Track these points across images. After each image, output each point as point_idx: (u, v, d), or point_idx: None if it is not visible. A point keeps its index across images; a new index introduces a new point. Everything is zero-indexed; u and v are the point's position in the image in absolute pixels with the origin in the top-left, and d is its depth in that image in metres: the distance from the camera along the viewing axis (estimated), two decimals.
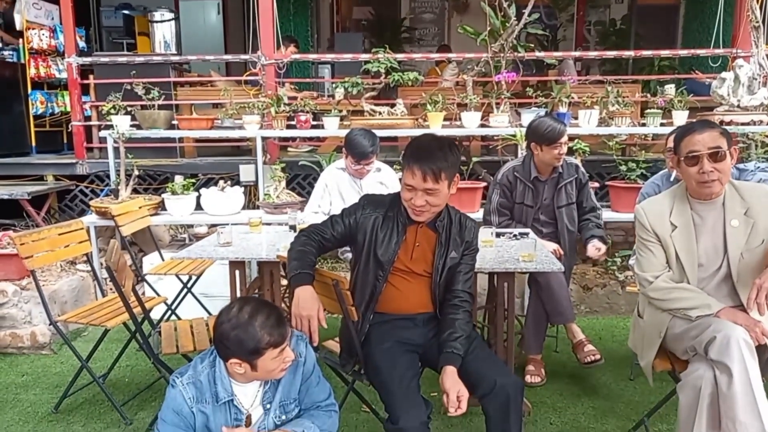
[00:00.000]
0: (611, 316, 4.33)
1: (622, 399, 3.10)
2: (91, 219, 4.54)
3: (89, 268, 4.21)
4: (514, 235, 3.12)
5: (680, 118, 4.56)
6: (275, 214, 4.35)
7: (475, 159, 4.74)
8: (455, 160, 2.17)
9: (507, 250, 2.85)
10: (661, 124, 4.66)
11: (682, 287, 2.24)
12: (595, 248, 3.35)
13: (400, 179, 2.26)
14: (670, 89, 4.89)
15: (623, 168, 4.44)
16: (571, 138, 3.82)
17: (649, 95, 5.16)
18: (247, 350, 1.74)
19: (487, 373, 2.15)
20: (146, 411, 3.07)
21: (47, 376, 3.51)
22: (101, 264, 4.44)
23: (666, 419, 2.83)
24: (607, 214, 4.31)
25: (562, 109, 4.61)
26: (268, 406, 1.90)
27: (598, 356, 3.20)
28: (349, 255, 2.69)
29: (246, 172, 4.92)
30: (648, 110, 4.70)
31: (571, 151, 3.91)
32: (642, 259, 2.34)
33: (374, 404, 2.87)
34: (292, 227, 3.20)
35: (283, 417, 1.92)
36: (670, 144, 3.13)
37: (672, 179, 3.12)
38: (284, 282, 3.29)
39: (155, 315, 3.90)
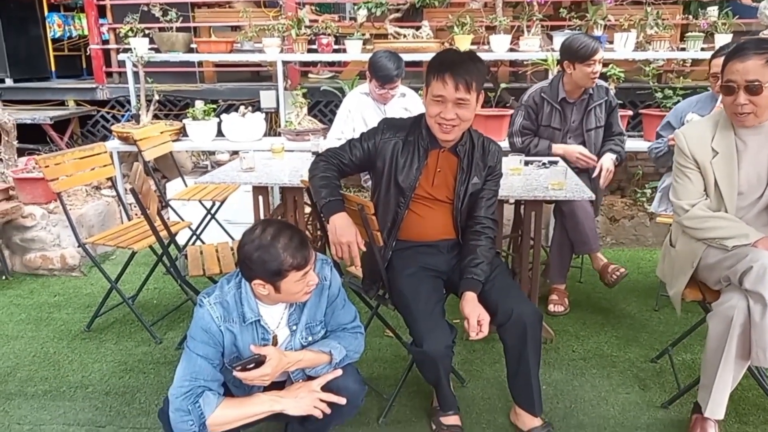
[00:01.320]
0: (638, 248, 4.27)
1: (645, 329, 3.09)
2: (113, 144, 4.53)
3: (114, 193, 4.24)
4: (543, 164, 3.03)
5: (723, 41, 4.29)
6: (297, 141, 4.29)
7: (503, 85, 4.57)
8: (483, 72, 2.09)
9: (536, 179, 2.77)
10: (702, 49, 4.40)
11: (719, 216, 2.15)
12: (609, 160, 3.23)
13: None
14: (713, 11, 4.58)
15: (659, 95, 4.24)
16: (606, 63, 3.63)
17: (690, 17, 4.85)
18: (270, 271, 1.73)
19: (505, 302, 2.13)
20: (175, 331, 3.15)
21: (78, 296, 3.61)
22: (125, 189, 4.47)
23: (690, 349, 2.82)
24: (638, 144, 4.16)
25: (597, 32, 4.36)
26: (294, 327, 1.92)
27: (622, 269, 3.13)
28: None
29: (267, 98, 4.82)
30: (688, 34, 4.44)
31: (604, 77, 3.73)
32: (678, 186, 2.25)
33: (397, 329, 2.91)
34: (315, 154, 3.14)
35: (309, 338, 1.94)
36: (714, 69, 2.95)
37: (718, 102, 2.94)
38: (308, 209, 3.27)
39: (180, 240, 3.94)
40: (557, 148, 3.23)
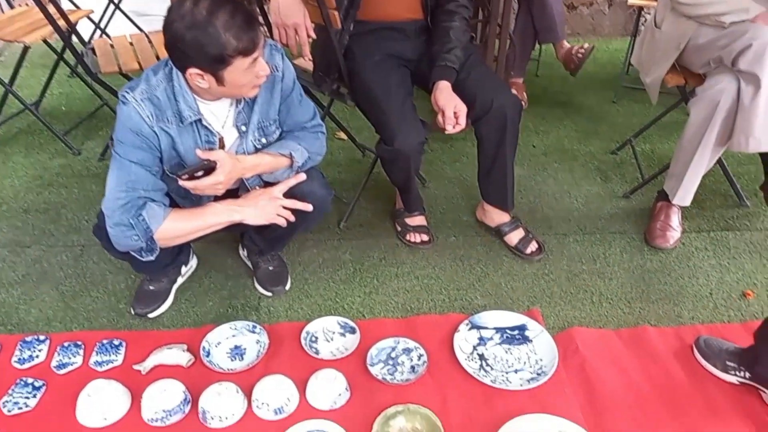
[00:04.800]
0: (594, 38, 4.03)
1: (605, 121, 3.00)
2: None
3: None
4: None
5: None
6: None
7: None
8: None
9: None
10: None
11: None
12: None
13: None
14: None
15: None
16: None
17: None
18: (210, 57, 1.37)
19: (483, 92, 1.89)
20: (94, 140, 2.77)
21: None
22: None
23: (650, 140, 2.77)
24: None
25: None
26: (244, 128, 1.62)
27: (586, 45, 2.96)
28: None
29: None
30: None
31: None
32: None
33: (352, 130, 2.66)
34: None
35: (264, 140, 1.66)
36: None
37: None
38: None
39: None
40: None
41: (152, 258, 1.55)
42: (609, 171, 2.59)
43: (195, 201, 1.64)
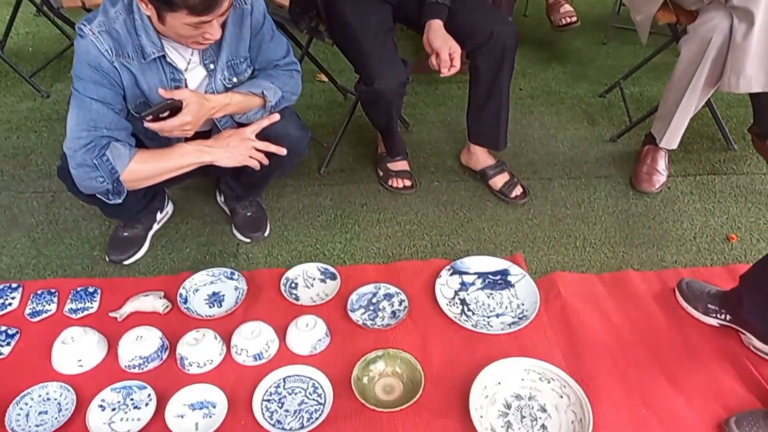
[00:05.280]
0: None
1: (594, 63, 2.91)
2: None
3: None
4: None
5: None
6: None
7: None
8: None
9: None
10: None
11: None
12: None
13: None
14: None
15: None
16: None
17: None
18: None
19: (481, 21, 1.81)
20: (63, 83, 2.65)
21: None
22: None
23: (639, 82, 2.70)
24: None
25: None
26: (212, 66, 1.53)
27: (574, 18, 2.87)
28: None
29: None
30: None
31: None
32: None
33: (333, 72, 2.56)
34: None
35: (234, 80, 1.57)
36: None
37: None
38: None
39: None
40: None
41: (119, 201, 1.49)
42: (596, 114, 2.53)
43: (164, 143, 1.56)
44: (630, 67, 2.62)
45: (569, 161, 2.26)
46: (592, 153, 2.31)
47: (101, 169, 1.42)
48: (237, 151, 1.53)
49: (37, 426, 1.36)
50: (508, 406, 1.41)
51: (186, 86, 1.51)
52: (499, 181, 2.07)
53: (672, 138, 2.05)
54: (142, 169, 1.46)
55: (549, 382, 1.43)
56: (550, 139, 2.38)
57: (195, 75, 1.53)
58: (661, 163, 2.13)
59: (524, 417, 1.38)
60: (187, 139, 1.55)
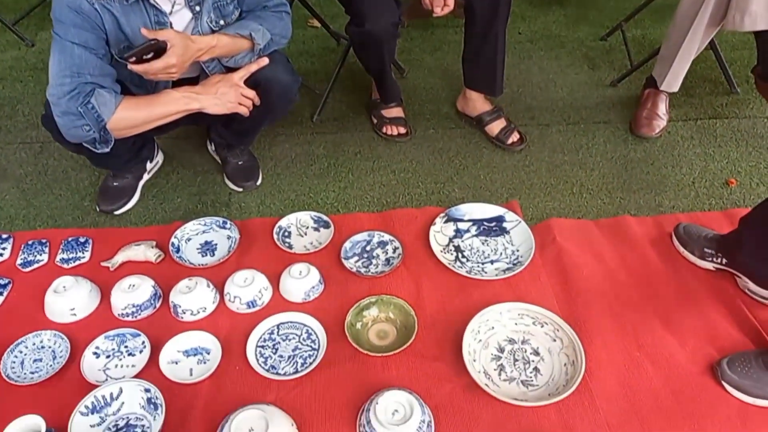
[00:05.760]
0: None
1: (595, 6, 2.82)
2: None
3: None
4: None
5: None
6: None
7: None
8: None
9: None
10: None
11: None
12: None
13: None
14: None
15: None
16: None
17: None
18: None
19: None
20: (48, 31, 2.57)
21: None
22: None
23: (641, 25, 2.62)
24: None
25: None
26: (198, 8, 1.47)
27: None
28: None
29: None
30: None
31: None
32: None
33: (326, 18, 2.48)
34: None
35: (221, 22, 1.52)
36: None
37: None
38: None
39: None
40: None
41: (107, 150, 1.46)
42: (597, 58, 2.46)
43: (151, 89, 1.52)
44: (632, 8, 2.54)
45: (568, 107, 2.21)
46: (592, 98, 2.25)
47: (87, 117, 1.38)
48: (226, 97, 1.49)
49: (32, 373, 1.37)
50: (501, 350, 1.41)
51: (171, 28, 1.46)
52: (495, 127, 2.03)
53: (673, 80, 2.00)
54: (128, 116, 1.43)
55: (542, 326, 1.43)
56: (549, 84, 2.32)
57: (180, 17, 1.48)
58: (662, 107, 2.08)
59: (517, 360, 1.39)
60: (174, 85, 1.51)
